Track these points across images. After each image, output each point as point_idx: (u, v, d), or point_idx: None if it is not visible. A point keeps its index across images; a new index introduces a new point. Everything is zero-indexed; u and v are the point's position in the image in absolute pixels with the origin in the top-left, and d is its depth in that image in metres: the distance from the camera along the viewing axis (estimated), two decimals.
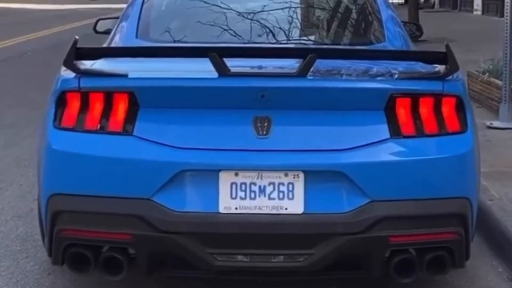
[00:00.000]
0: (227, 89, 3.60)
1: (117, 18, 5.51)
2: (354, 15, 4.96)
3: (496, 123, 7.75)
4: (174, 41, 4.43)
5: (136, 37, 4.37)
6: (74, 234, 3.65)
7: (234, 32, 4.45)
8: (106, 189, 3.59)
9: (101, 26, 5.93)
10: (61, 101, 3.68)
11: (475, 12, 25.16)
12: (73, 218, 3.64)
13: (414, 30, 6.23)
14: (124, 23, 4.62)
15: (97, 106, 3.63)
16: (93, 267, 3.68)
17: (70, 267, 3.75)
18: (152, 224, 3.55)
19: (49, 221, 3.69)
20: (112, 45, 4.42)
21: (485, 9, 24.48)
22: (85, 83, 3.63)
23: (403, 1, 29.27)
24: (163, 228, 3.55)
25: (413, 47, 4.62)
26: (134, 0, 4.85)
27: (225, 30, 4.46)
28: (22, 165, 6.64)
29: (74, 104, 3.65)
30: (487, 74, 8.92)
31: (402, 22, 5.04)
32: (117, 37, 4.46)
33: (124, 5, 4.91)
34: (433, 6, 29.78)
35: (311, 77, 3.61)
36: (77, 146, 3.63)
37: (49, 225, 3.70)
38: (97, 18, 6.16)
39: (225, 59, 3.55)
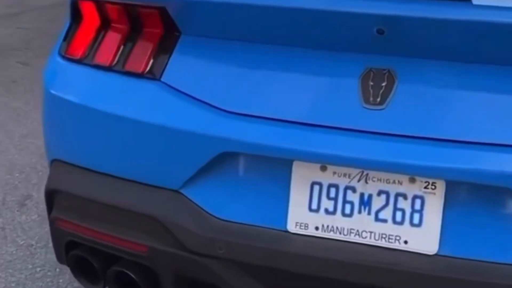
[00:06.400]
0: (318, 15, 2.09)
1: None
2: None
3: None
4: None
5: None
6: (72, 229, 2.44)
7: None
8: (110, 165, 2.36)
9: None
10: (74, 15, 2.49)
11: None
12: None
13: None
14: None
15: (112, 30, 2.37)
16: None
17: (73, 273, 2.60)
18: (176, 237, 2.20)
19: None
20: None
21: None
22: None
23: None
24: (192, 246, 2.19)
25: None
26: None
27: None
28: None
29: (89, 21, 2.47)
30: None
31: None
32: None
33: None
34: None
35: (478, 2, 1.91)
36: (79, 90, 2.40)
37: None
38: None
39: None
